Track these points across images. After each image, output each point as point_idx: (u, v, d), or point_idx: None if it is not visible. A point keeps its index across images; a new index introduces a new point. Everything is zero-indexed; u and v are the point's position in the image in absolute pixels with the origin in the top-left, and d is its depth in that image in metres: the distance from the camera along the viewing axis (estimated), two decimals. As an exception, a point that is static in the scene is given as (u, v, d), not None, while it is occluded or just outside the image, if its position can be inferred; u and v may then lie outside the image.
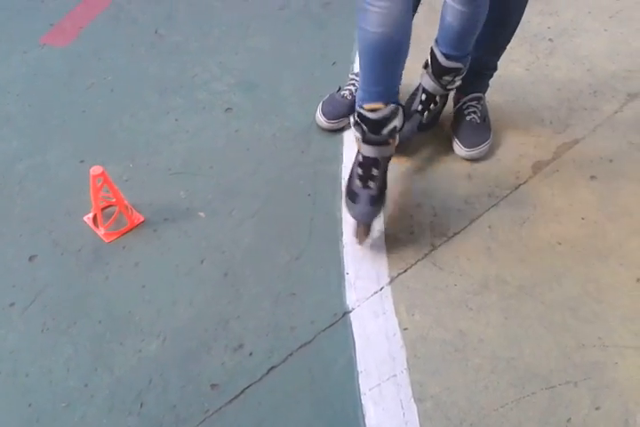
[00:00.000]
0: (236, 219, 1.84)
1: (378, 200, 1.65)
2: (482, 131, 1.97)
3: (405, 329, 1.58)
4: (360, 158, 1.65)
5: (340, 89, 2.13)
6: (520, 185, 1.87)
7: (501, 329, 1.55)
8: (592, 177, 1.90)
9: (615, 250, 1.67)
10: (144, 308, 1.62)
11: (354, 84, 2.10)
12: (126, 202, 1.81)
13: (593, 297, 1.60)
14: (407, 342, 1.55)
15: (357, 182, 1.65)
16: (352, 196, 1.67)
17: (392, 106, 1.55)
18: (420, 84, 1.90)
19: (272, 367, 1.51)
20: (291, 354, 1.54)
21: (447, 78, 1.81)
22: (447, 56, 1.74)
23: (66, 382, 1.49)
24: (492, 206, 1.83)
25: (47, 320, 1.61)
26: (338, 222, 1.83)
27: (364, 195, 1.64)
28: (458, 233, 1.77)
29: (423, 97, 1.88)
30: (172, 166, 1.99)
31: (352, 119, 1.62)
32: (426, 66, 1.84)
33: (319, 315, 1.61)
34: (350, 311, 1.62)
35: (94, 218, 1.80)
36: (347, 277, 1.70)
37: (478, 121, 1.97)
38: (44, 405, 1.46)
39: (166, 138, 2.09)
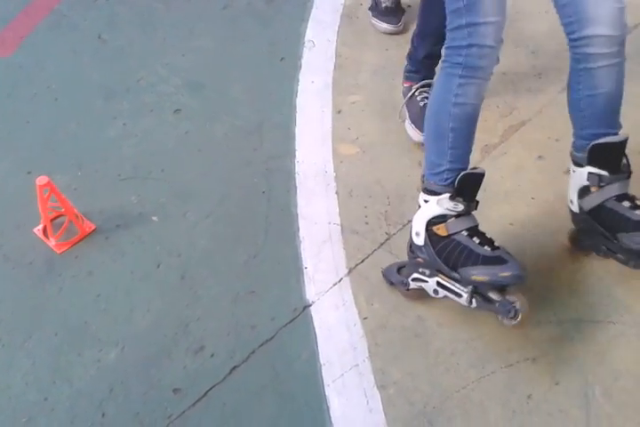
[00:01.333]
0: (191, 221, 1.83)
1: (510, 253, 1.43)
2: None
3: (365, 319, 1.59)
4: (465, 233, 1.44)
5: (412, 95, 2.04)
6: (470, 169, 1.89)
7: (459, 312, 1.57)
8: (539, 157, 1.93)
9: (566, 227, 1.70)
10: (100, 317, 1.60)
11: (426, 92, 2.01)
12: (76, 211, 1.78)
13: (545, 274, 1.63)
14: (367, 331, 1.56)
15: (486, 248, 1.41)
16: (495, 261, 1.39)
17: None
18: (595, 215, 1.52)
19: (234, 367, 1.51)
20: (253, 352, 1.53)
21: (625, 164, 1.48)
22: (614, 130, 1.46)
23: (25, 396, 1.47)
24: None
25: (2, 336, 1.58)
26: (294, 218, 1.83)
27: (503, 253, 1.40)
28: (412, 220, 1.78)
29: (627, 204, 1.46)
30: (121, 172, 1.97)
31: (444, 200, 1.43)
32: (599, 179, 1.47)
33: (279, 311, 1.61)
34: (310, 305, 1.62)
35: (44, 229, 1.77)
36: (305, 271, 1.70)
37: None
38: (4, 421, 1.44)
39: (114, 143, 2.06)
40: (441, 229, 1.45)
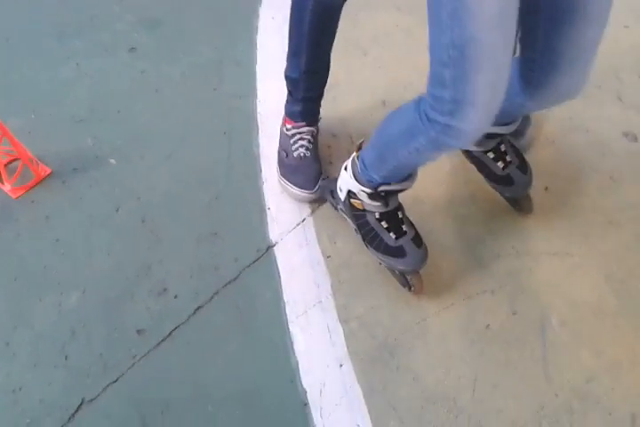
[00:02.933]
0: (150, 163, 1.79)
1: (420, 238, 1.45)
2: None
3: (329, 257, 1.59)
4: (377, 215, 1.43)
5: (286, 154, 1.71)
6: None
7: (420, 248, 1.58)
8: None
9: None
10: (60, 261, 1.59)
11: (304, 140, 1.70)
12: (30, 155, 1.73)
13: (504, 208, 1.63)
14: (331, 269, 1.57)
15: (391, 235, 1.42)
16: (395, 252, 1.42)
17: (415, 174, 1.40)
18: (469, 156, 1.58)
19: (198, 307, 1.51)
20: (216, 293, 1.54)
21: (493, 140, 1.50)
22: (501, 124, 1.44)
23: (-15, 342, 1.47)
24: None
25: (-41, 283, 1.56)
26: (256, 159, 1.80)
27: (406, 243, 1.41)
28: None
29: (491, 155, 1.53)
30: (76, 114, 1.90)
31: (362, 192, 1.39)
32: None
33: (242, 252, 1.61)
34: (274, 245, 1.62)
35: (-2, 174, 1.72)
36: (268, 212, 1.69)
37: None
38: (-34, 367, 1.44)
39: (68, 85, 1.99)
40: (357, 204, 1.44)
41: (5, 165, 1.71)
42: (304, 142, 1.70)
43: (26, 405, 1.37)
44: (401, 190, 1.41)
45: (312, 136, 1.72)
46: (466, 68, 1.00)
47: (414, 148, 1.19)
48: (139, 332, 1.47)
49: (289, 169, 1.70)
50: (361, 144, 1.41)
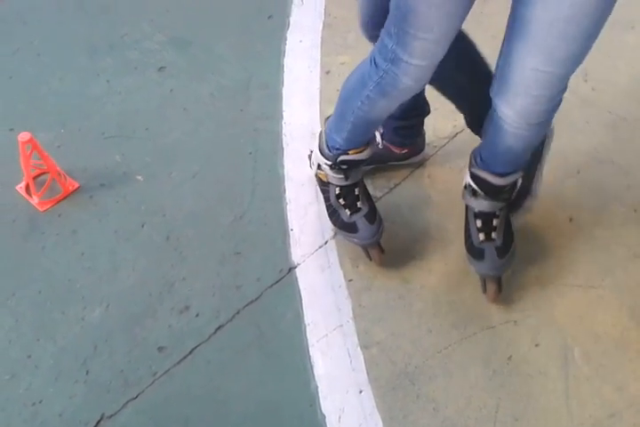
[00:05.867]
0: (176, 181, 1.81)
1: (374, 214, 1.54)
2: None
3: (350, 280, 1.59)
4: (337, 191, 1.56)
5: None
6: (457, 134, 1.87)
7: (443, 274, 1.58)
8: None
9: (549, 192, 1.70)
10: (85, 275, 1.60)
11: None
12: (59, 169, 1.75)
13: (529, 238, 1.64)
14: (352, 292, 1.57)
15: (345, 211, 1.54)
16: (349, 227, 1.54)
17: (372, 144, 1.51)
18: (467, 213, 1.51)
19: (220, 326, 1.51)
20: (238, 312, 1.54)
21: (506, 191, 1.45)
22: (502, 174, 1.38)
23: (8, 353, 1.47)
24: (431, 156, 1.83)
25: (-15, 294, 1.57)
26: (280, 180, 1.82)
27: (358, 219, 1.52)
28: (398, 184, 1.78)
29: (479, 223, 1.47)
30: (105, 130, 1.93)
31: (324, 164, 1.51)
32: (473, 193, 1.44)
33: (265, 272, 1.61)
34: (296, 267, 1.63)
35: (27, 187, 1.74)
36: (291, 233, 1.70)
37: None
38: (-13, 378, 1.44)
39: (98, 101, 2.02)
40: (322, 175, 1.57)
41: (34, 178, 1.73)
42: None
43: (45, 418, 1.37)
44: (358, 162, 1.48)
45: None
46: (406, 30, 1.11)
47: (365, 95, 1.27)
48: (160, 349, 1.47)
49: None
50: (328, 117, 1.51)
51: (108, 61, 2.15)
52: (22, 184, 1.76)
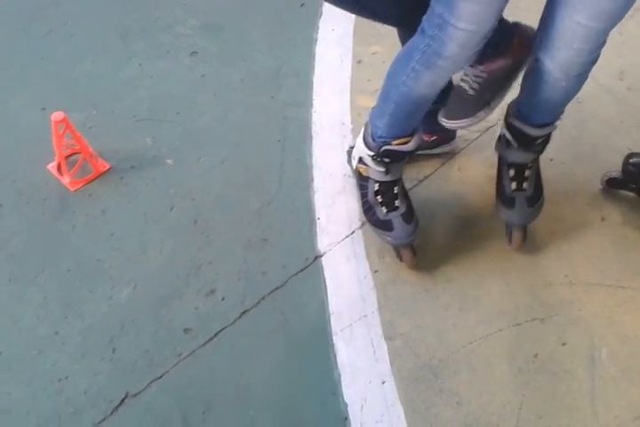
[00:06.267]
0: (205, 166, 1.81)
1: (411, 214, 1.53)
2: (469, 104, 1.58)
3: (376, 271, 1.59)
4: (376, 186, 1.53)
5: None
6: (490, 128, 1.85)
7: (470, 268, 1.57)
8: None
9: (582, 190, 1.69)
10: (113, 256, 1.61)
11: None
12: (91, 149, 1.76)
13: (559, 236, 1.62)
14: (378, 283, 1.57)
15: (382, 209, 1.52)
16: (384, 225, 1.52)
17: (417, 135, 1.46)
18: (499, 161, 1.57)
19: (245, 311, 1.52)
20: (263, 298, 1.54)
21: (539, 144, 1.50)
22: (538, 126, 1.44)
23: (36, 330, 1.49)
24: (462, 149, 1.82)
25: (14, 269, 1.59)
26: (308, 169, 1.81)
27: (394, 218, 1.50)
28: (428, 176, 1.77)
29: (511, 173, 1.53)
30: (136, 113, 1.94)
31: (367, 156, 1.48)
32: (507, 144, 1.50)
33: (291, 260, 1.61)
34: (322, 256, 1.62)
35: (58, 166, 1.76)
36: (318, 222, 1.69)
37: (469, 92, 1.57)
38: (15, 353, 1.46)
39: (130, 83, 2.03)
40: (362, 169, 1.53)
41: (66, 158, 1.75)
42: None
43: (70, 394, 1.39)
44: (401, 155, 1.45)
45: None
46: None
47: (411, 68, 1.26)
48: (185, 331, 1.48)
49: None
50: (374, 107, 1.48)
51: (140, 45, 2.16)
52: (54, 163, 1.77)
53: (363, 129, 1.51)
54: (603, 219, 1.65)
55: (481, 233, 1.64)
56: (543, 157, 1.70)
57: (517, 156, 1.50)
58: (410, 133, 1.44)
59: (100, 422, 1.35)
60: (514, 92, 1.48)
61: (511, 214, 1.52)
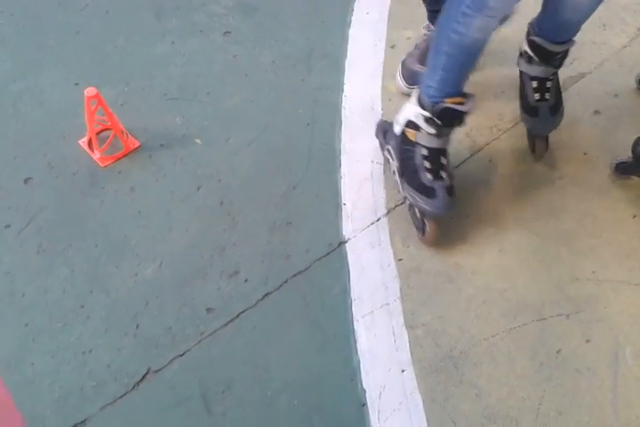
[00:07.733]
0: (233, 147, 1.81)
1: (453, 190, 1.52)
2: None
3: (400, 260, 1.58)
4: (424, 152, 1.51)
5: (416, 47, 1.91)
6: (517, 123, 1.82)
7: (496, 261, 1.56)
8: (596, 112, 1.86)
9: (614, 186, 1.66)
10: (140, 233, 1.62)
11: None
12: (121, 126, 1.77)
13: (589, 232, 1.60)
14: (401, 272, 1.56)
15: (428, 176, 1.50)
16: (427, 191, 1.50)
17: (471, 97, 1.46)
18: (521, 76, 1.68)
19: (267, 294, 1.53)
20: (285, 281, 1.55)
21: (558, 59, 1.60)
22: (559, 42, 1.54)
23: (62, 302, 1.51)
24: (494, 140, 1.79)
25: (43, 242, 1.61)
26: (336, 153, 1.80)
27: (439, 187, 1.49)
28: (458, 166, 1.75)
29: (534, 84, 1.63)
30: (167, 91, 1.93)
31: (421, 116, 1.47)
32: (529, 59, 1.61)
33: (315, 244, 1.61)
34: (346, 242, 1.62)
35: (89, 142, 1.77)
36: (344, 207, 1.69)
37: None
38: (40, 325, 1.48)
39: (162, 61, 2.02)
40: (411, 134, 1.53)
41: (97, 134, 1.75)
42: None
43: (94, 368, 1.41)
44: (457, 115, 1.45)
45: None
46: None
47: (461, 12, 1.28)
48: (208, 310, 1.49)
49: None
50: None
51: (173, 23, 2.15)
52: (85, 139, 1.78)
53: (413, 92, 1.52)
54: (634, 216, 1.62)
55: (509, 226, 1.63)
56: (575, 150, 1.69)
57: (539, 70, 1.60)
58: (462, 93, 1.45)
59: (121, 397, 1.37)
60: (535, 10, 1.56)
61: (535, 122, 1.65)
